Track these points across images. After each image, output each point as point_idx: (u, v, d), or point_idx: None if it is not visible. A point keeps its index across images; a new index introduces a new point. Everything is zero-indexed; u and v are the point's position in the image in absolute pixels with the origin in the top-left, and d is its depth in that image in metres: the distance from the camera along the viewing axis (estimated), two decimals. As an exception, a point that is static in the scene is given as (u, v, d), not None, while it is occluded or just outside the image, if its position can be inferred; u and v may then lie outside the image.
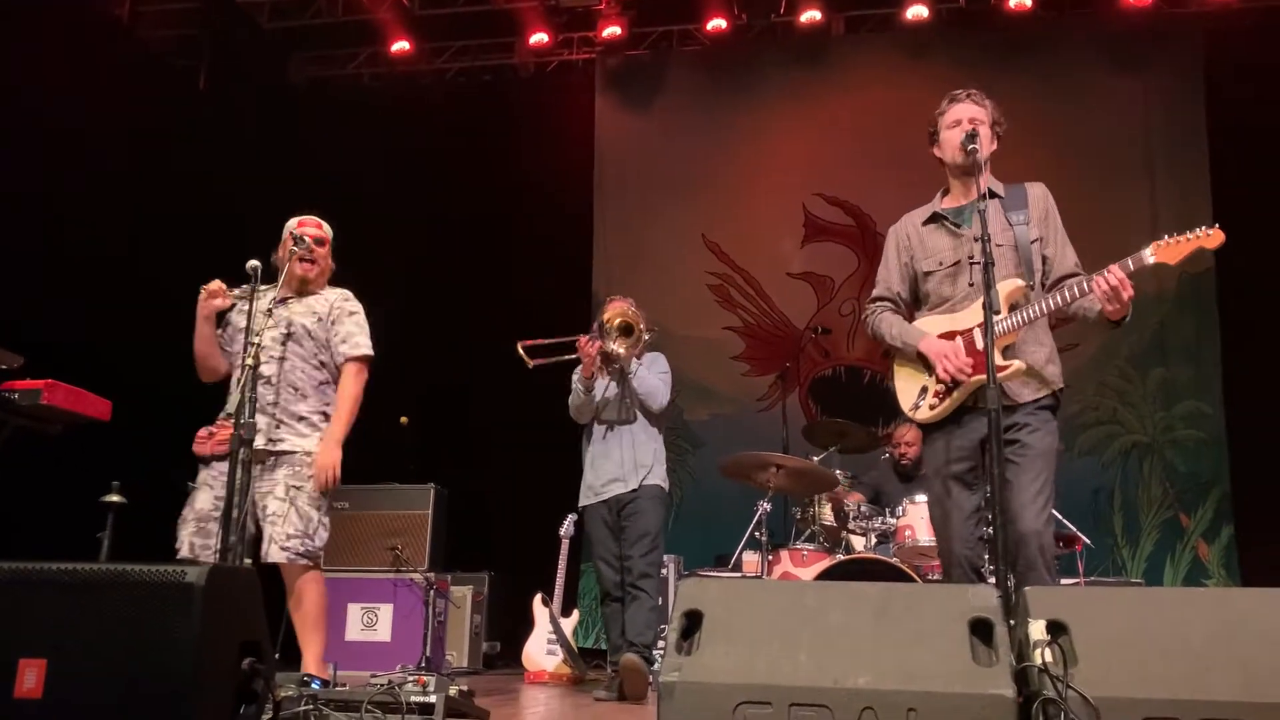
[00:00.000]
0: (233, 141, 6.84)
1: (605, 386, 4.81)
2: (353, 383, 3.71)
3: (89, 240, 5.72)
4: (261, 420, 3.52)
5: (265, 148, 7.05)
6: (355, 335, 3.75)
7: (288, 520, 3.50)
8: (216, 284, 3.65)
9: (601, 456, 4.78)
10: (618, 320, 4.70)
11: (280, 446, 3.58)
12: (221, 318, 3.75)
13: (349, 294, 3.86)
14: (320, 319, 3.75)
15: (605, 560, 4.72)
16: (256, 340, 3.35)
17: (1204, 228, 3.01)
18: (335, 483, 3.59)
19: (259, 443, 3.46)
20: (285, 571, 3.54)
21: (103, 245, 5.84)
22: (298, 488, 3.55)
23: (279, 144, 7.17)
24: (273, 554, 3.49)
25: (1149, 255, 3.04)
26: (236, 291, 3.65)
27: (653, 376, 4.81)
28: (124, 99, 6.13)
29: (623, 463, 4.71)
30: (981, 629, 2.11)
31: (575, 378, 4.77)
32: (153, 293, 5.91)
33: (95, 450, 4.30)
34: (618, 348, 4.65)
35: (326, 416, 3.70)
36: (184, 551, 3.51)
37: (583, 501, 4.87)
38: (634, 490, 4.70)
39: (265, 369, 3.59)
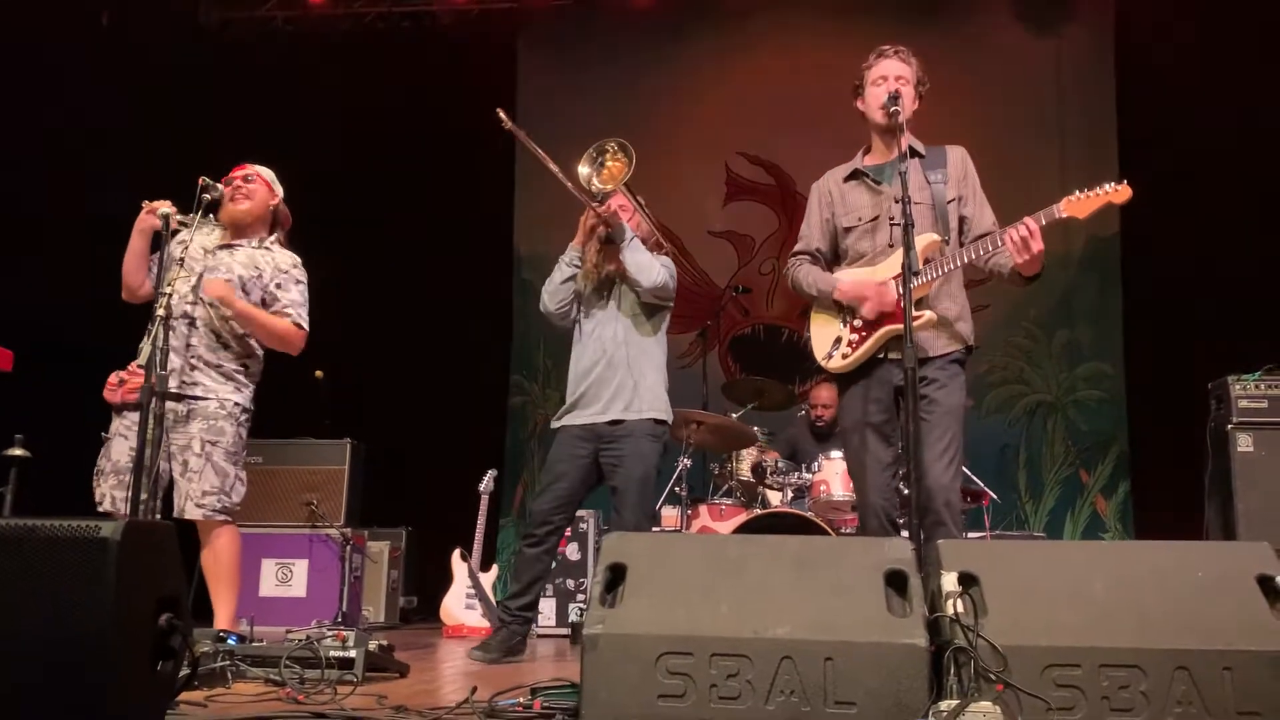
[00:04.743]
0: (138, 84, 6.56)
1: (602, 293, 4.05)
2: (285, 324, 3.65)
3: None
4: (176, 360, 3.45)
5: (173, 91, 6.78)
6: (299, 306, 3.71)
7: (203, 477, 3.45)
8: (166, 206, 3.48)
9: (582, 372, 4.02)
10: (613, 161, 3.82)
11: (194, 391, 3.51)
12: (158, 238, 3.63)
13: (298, 261, 3.79)
14: (260, 274, 3.68)
15: (555, 491, 3.96)
16: (168, 290, 3.28)
17: (1113, 184, 3.11)
18: (220, 296, 3.49)
19: (171, 384, 3.38)
20: (201, 526, 3.50)
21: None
22: (213, 443, 3.49)
23: (188, 88, 6.90)
24: (189, 511, 3.45)
25: (1060, 209, 3.15)
26: (180, 217, 3.49)
27: (646, 254, 3.98)
28: (16, 31, 5.82)
29: (608, 383, 3.96)
30: (896, 580, 2.18)
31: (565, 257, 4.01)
32: (54, 239, 5.68)
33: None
34: (603, 184, 3.79)
35: (246, 368, 3.64)
36: (105, 505, 3.45)
37: (556, 421, 4.10)
38: (616, 424, 3.92)
39: (191, 310, 3.55)
